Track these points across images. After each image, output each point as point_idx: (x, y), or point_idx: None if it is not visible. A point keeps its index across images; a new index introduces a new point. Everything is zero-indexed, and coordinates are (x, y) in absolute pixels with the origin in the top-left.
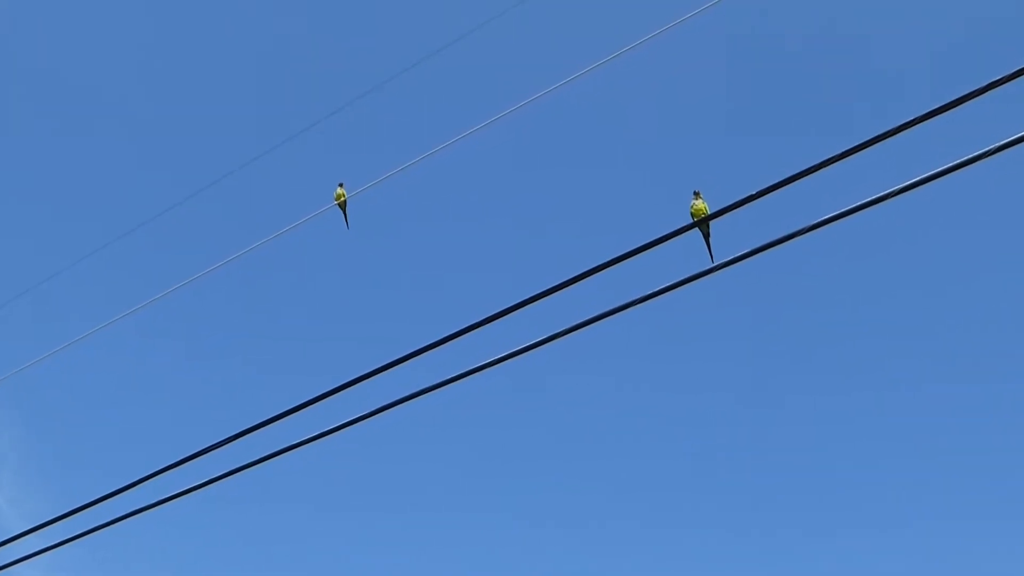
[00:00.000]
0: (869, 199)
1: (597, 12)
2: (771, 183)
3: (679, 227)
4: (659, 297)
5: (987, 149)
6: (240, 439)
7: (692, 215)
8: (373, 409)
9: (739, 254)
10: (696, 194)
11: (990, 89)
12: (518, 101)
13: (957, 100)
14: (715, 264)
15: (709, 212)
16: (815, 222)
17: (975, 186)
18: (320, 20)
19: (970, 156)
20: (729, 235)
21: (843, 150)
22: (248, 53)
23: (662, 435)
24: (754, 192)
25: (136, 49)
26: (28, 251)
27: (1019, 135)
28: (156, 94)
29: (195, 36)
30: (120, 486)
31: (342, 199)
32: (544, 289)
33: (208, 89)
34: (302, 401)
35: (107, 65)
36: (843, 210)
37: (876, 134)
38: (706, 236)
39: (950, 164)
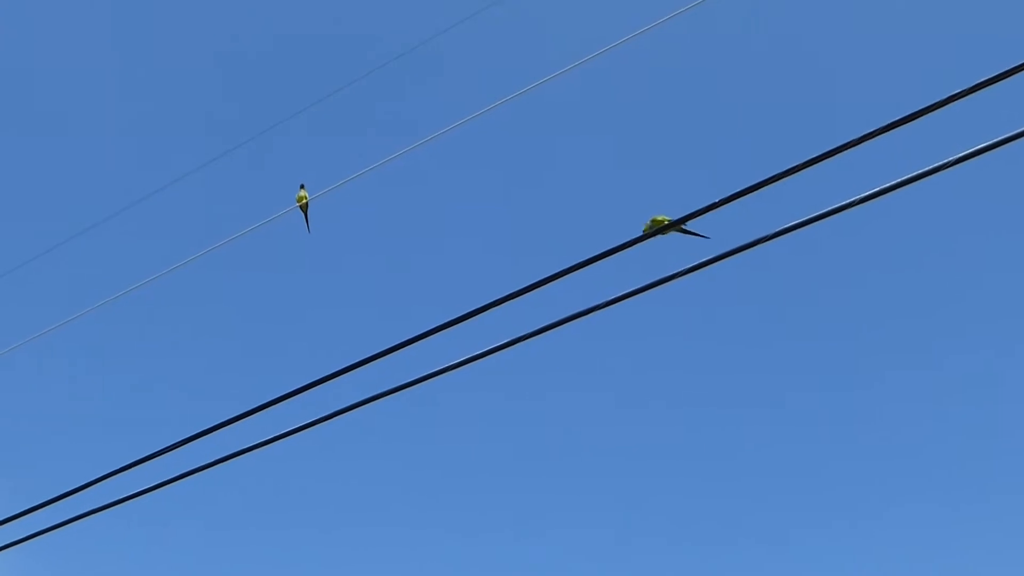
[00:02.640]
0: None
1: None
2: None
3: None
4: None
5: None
6: (178, 448)
7: (652, 224)
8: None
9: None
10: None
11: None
12: (493, 100)
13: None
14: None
15: (671, 220)
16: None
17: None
18: (287, 15)
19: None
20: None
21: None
22: (199, 48)
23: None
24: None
25: (75, 37)
26: None
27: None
28: (100, 90)
29: (141, 27)
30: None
31: (304, 201)
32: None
33: (161, 86)
34: (242, 411)
35: (49, 56)
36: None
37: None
38: (685, 232)
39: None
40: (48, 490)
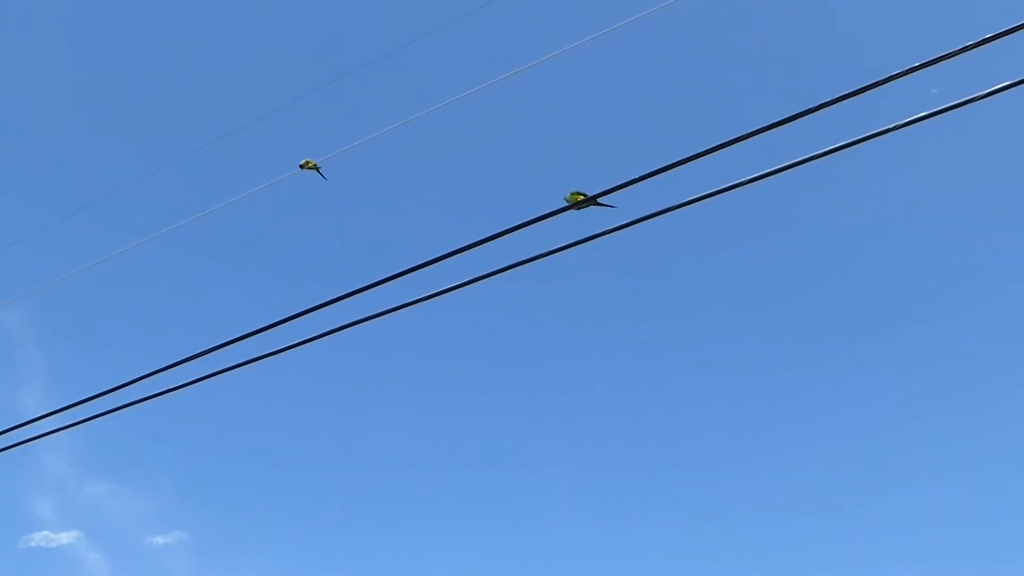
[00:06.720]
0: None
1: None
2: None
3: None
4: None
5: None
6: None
7: (568, 200)
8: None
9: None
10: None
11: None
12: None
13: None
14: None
15: (587, 196)
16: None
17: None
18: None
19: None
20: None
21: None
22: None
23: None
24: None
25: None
26: None
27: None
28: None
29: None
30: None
31: (312, 164)
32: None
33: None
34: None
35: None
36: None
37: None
38: (599, 204)
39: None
40: None
